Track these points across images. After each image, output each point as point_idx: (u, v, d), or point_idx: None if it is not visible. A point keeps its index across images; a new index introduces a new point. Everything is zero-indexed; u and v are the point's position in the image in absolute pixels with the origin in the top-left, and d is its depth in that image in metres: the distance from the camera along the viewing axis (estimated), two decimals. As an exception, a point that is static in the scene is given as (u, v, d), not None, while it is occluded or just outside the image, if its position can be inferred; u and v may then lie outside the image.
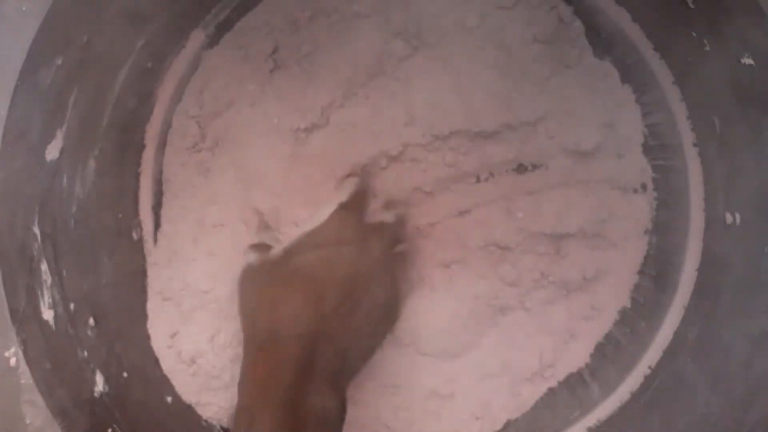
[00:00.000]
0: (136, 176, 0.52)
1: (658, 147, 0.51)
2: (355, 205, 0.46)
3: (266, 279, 0.42)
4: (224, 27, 0.51)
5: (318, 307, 0.39)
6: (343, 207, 0.44)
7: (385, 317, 0.44)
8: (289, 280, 0.41)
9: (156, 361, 0.50)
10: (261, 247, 0.45)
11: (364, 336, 0.42)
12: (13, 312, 0.37)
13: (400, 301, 0.46)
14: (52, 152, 0.41)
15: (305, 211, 0.49)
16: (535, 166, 0.51)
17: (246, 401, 0.37)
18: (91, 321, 0.45)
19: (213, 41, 0.52)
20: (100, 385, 0.44)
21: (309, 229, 0.43)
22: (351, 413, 0.51)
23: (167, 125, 0.52)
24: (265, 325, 0.39)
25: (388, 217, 0.47)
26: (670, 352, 0.50)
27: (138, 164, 0.52)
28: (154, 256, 0.52)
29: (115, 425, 0.43)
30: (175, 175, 0.52)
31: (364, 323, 0.41)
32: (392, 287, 0.44)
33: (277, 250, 0.44)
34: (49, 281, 0.41)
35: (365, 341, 0.42)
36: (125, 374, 0.47)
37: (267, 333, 0.39)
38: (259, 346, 0.39)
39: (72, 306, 0.43)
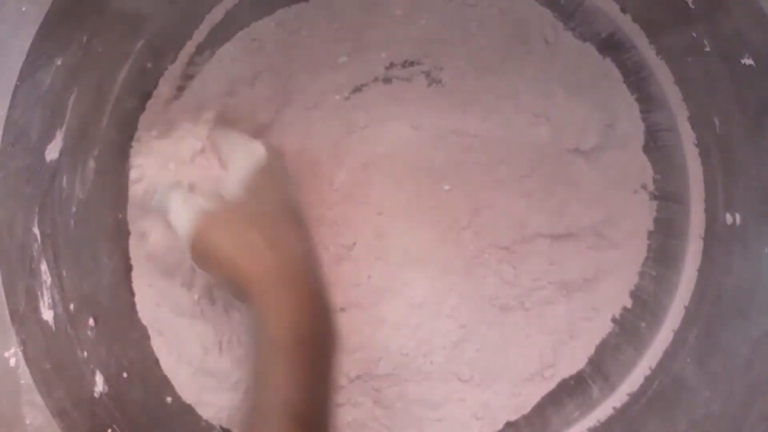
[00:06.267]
0: (136, 176, 0.52)
1: (658, 147, 0.51)
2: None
3: (247, 221, 0.42)
4: (224, 27, 0.51)
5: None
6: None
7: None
8: (269, 221, 0.42)
9: (156, 361, 0.50)
10: (207, 195, 0.43)
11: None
12: (13, 312, 0.37)
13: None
14: (52, 152, 0.41)
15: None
16: (535, 167, 0.51)
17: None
18: (91, 321, 0.45)
19: (213, 41, 0.51)
20: (100, 385, 0.44)
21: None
22: (351, 414, 0.52)
23: (167, 125, 0.52)
24: (277, 264, 0.39)
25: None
26: (670, 353, 0.50)
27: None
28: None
29: (115, 425, 0.43)
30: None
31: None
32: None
33: (233, 192, 0.43)
34: (48, 281, 0.41)
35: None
36: (125, 374, 0.47)
37: (288, 269, 0.40)
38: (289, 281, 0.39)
39: (72, 306, 0.43)
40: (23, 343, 0.37)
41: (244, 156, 0.44)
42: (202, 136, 0.46)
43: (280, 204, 0.44)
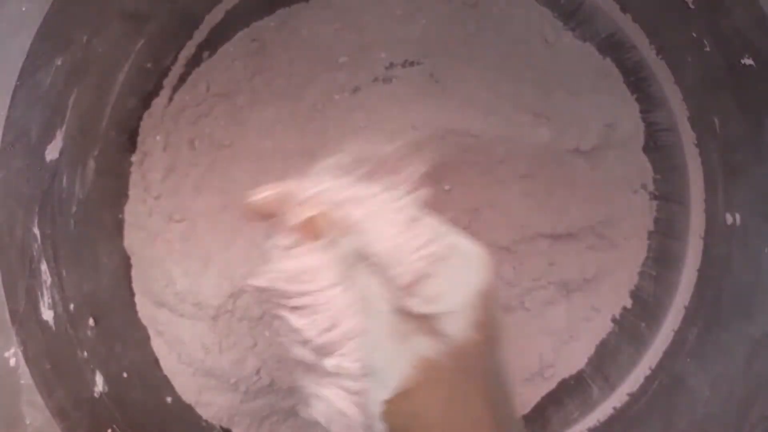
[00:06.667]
0: (136, 176, 0.52)
1: (658, 147, 0.51)
2: None
3: (475, 382, 0.29)
4: (224, 27, 0.51)
5: None
6: None
7: None
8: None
9: (156, 361, 0.50)
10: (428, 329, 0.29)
11: None
12: (13, 312, 0.37)
13: None
14: (52, 152, 0.41)
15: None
16: (535, 167, 0.51)
17: None
18: (91, 321, 0.45)
19: (213, 41, 0.52)
20: (100, 385, 0.44)
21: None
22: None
23: (167, 125, 0.52)
24: None
25: None
26: (670, 353, 0.50)
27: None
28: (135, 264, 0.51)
29: (115, 425, 0.43)
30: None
31: None
32: None
33: (459, 327, 0.29)
34: (48, 282, 0.41)
35: None
36: (125, 374, 0.47)
37: None
38: None
39: (72, 306, 0.43)
40: (23, 343, 0.37)
41: (466, 268, 0.30)
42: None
43: (501, 353, 0.31)
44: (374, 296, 0.29)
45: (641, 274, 0.52)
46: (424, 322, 0.29)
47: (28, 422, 0.37)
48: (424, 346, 0.28)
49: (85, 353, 0.43)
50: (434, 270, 0.29)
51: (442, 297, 0.29)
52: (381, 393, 0.28)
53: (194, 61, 0.51)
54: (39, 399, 0.37)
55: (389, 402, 0.28)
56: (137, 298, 0.50)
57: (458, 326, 0.28)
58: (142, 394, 0.48)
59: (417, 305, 0.29)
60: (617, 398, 0.51)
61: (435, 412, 0.28)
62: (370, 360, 0.29)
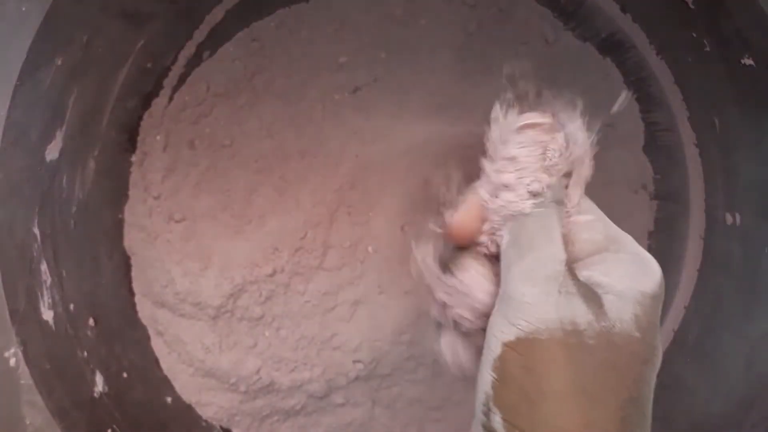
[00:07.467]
0: (136, 176, 0.52)
1: (658, 147, 0.51)
2: None
3: (615, 380, 0.26)
4: (224, 27, 0.51)
5: None
6: None
7: None
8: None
9: (156, 361, 0.50)
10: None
11: None
12: (13, 312, 0.37)
13: None
14: (52, 152, 0.41)
15: None
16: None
17: None
18: (91, 321, 0.45)
19: (213, 41, 0.52)
20: (100, 385, 0.44)
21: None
22: (351, 414, 0.52)
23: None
24: None
25: None
26: (670, 353, 0.50)
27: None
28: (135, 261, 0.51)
29: (115, 425, 0.43)
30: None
31: None
32: None
33: (621, 318, 0.26)
34: (48, 282, 0.41)
35: None
36: (125, 374, 0.47)
37: None
38: None
39: (72, 306, 0.43)
40: (23, 343, 0.37)
41: (637, 267, 0.28)
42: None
43: (652, 379, 0.27)
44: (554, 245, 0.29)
45: (641, 274, 0.52)
46: (589, 290, 0.27)
47: (28, 422, 0.37)
48: (580, 311, 0.26)
49: (85, 353, 0.43)
50: (601, 258, 0.29)
51: (612, 276, 0.27)
52: (507, 331, 0.26)
53: (194, 61, 0.51)
54: (39, 399, 0.37)
55: (510, 346, 0.26)
56: (137, 298, 0.50)
57: (620, 311, 0.26)
58: (142, 394, 0.48)
59: (587, 275, 0.28)
60: (617, 398, 0.51)
61: (556, 384, 0.25)
62: (515, 286, 0.27)
